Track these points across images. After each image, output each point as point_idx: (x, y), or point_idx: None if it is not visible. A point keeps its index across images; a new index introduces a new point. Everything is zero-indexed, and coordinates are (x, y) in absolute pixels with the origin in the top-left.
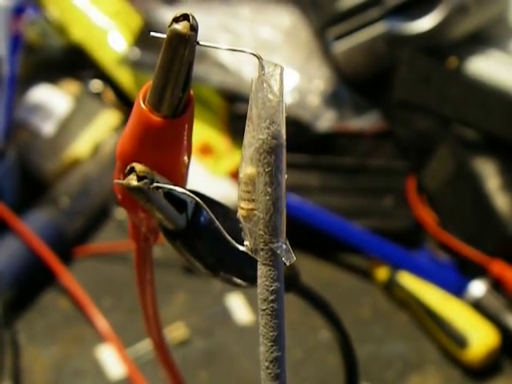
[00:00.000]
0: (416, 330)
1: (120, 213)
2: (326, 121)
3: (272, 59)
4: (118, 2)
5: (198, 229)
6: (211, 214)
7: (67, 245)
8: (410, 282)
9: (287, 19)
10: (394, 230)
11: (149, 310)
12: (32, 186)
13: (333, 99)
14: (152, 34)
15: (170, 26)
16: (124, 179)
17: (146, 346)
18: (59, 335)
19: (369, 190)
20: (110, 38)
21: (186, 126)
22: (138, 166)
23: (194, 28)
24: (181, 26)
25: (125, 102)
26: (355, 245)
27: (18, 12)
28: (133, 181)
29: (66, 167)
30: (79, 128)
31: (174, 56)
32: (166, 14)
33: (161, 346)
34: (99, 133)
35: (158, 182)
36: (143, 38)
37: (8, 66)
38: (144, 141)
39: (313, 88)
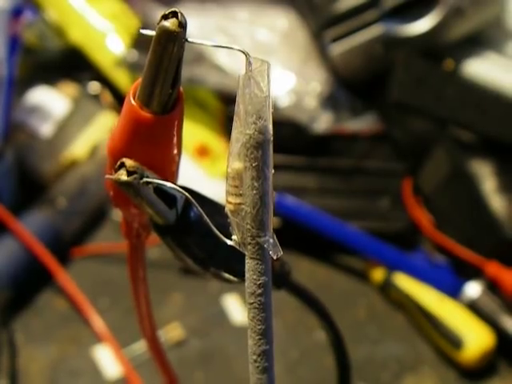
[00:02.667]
0: (411, 331)
1: (117, 214)
2: (323, 123)
3: (269, 61)
4: (115, 5)
5: (188, 224)
6: (200, 208)
7: (64, 245)
8: (405, 283)
9: (284, 22)
10: (390, 231)
11: (142, 307)
12: (30, 187)
13: (329, 101)
14: (141, 31)
15: (158, 24)
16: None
17: (142, 346)
18: (56, 335)
19: (365, 191)
20: (108, 40)
21: (176, 123)
22: (128, 162)
23: (182, 25)
24: (169, 23)
25: (122, 103)
26: (351, 246)
27: (16, 14)
28: (122, 176)
29: (64, 168)
30: (77, 130)
31: (162, 53)
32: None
33: (154, 343)
34: (97, 134)
35: (147, 177)
36: (141, 40)
37: (6, 68)
38: (134, 137)
39: (310, 90)
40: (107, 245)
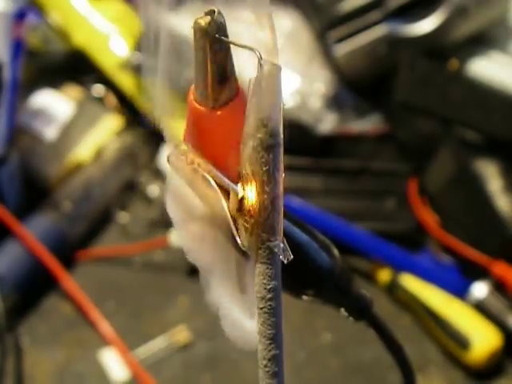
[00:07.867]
0: (418, 332)
1: (122, 217)
2: (328, 123)
3: (280, 65)
4: (119, 7)
5: None
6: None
7: (69, 249)
8: (412, 284)
9: (288, 22)
10: (396, 232)
11: None
12: (34, 191)
13: (334, 102)
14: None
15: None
16: None
17: (149, 348)
18: (62, 339)
19: (371, 192)
20: (112, 42)
21: (233, 119)
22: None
23: (215, 23)
24: (202, 20)
25: (126, 106)
26: (357, 247)
27: (19, 17)
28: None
29: (69, 172)
30: (81, 132)
31: (197, 48)
32: (168, 18)
33: None
34: (101, 137)
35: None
36: (144, 42)
37: (10, 71)
38: (193, 128)
39: (314, 91)
40: (112, 248)
